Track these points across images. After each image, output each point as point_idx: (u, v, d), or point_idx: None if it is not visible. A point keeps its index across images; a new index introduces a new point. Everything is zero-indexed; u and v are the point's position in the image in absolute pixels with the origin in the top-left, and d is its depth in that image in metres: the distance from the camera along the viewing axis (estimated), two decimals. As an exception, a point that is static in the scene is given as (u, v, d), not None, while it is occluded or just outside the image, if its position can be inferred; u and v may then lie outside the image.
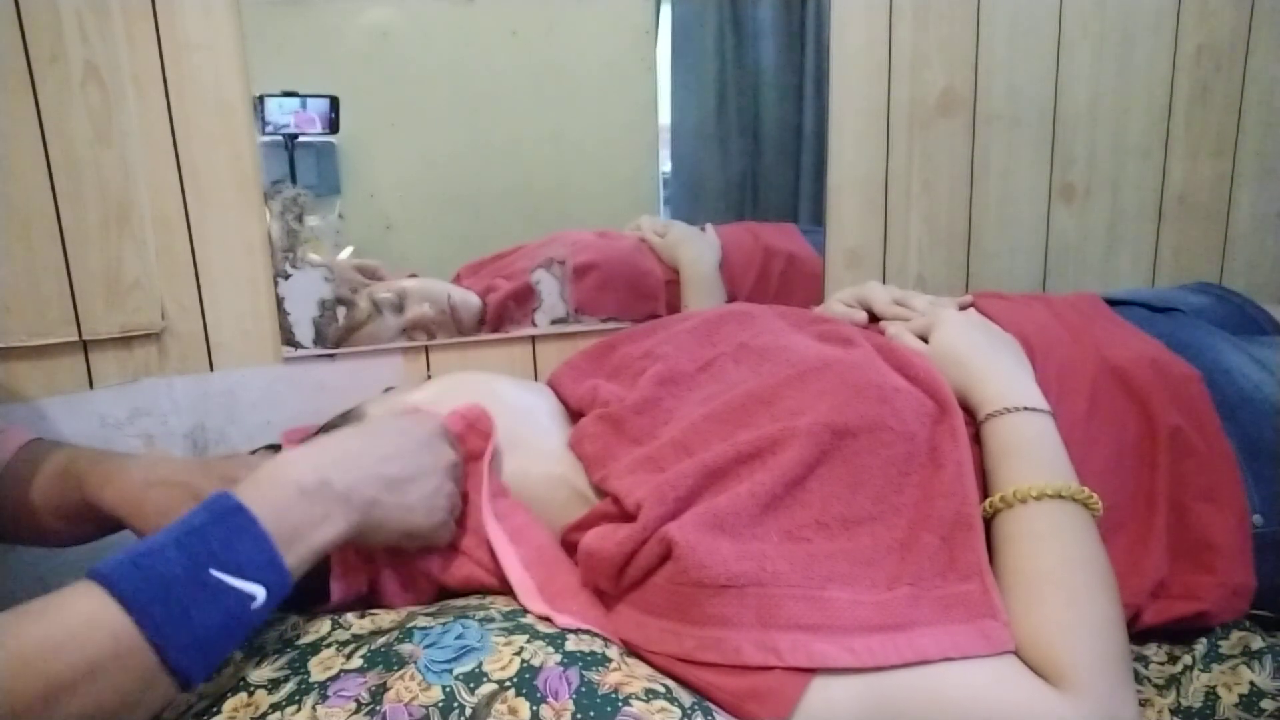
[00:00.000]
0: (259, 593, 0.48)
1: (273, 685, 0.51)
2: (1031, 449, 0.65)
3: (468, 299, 1.07)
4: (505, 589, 0.64)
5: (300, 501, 0.53)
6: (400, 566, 0.65)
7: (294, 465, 0.55)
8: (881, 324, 0.83)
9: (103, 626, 0.42)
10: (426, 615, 0.58)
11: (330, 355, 0.99)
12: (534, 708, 0.49)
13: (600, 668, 0.53)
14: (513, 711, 0.48)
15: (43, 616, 0.42)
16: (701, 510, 0.59)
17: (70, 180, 0.85)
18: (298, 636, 0.57)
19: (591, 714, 0.49)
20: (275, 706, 0.50)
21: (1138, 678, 0.66)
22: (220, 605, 0.46)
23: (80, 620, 0.42)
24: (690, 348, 0.78)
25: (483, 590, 0.65)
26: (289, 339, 0.98)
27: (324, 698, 0.50)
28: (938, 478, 0.62)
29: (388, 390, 0.86)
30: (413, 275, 1.06)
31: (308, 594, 0.61)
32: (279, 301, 0.97)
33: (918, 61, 1.15)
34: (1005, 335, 0.77)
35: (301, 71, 0.97)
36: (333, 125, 0.99)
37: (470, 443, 0.68)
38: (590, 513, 0.67)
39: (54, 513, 0.67)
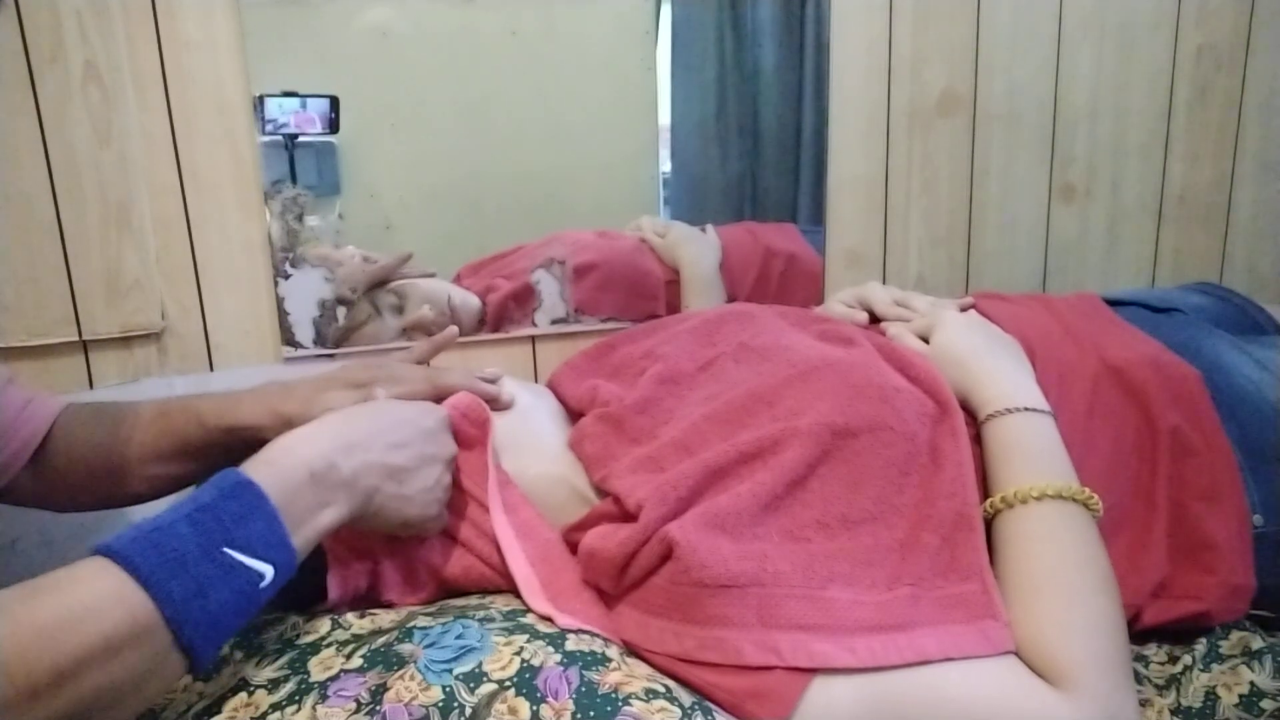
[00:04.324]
0: (268, 572, 0.47)
1: (273, 685, 0.51)
2: (1032, 450, 0.65)
3: (468, 300, 1.07)
4: (506, 581, 0.64)
5: (309, 485, 0.52)
6: (400, 559, 0.65)
7: (305, 444, 0.54)
8: (882, 324, 0.83)
9: (121, 603, 0.42)
10: (426, 615, 0.58)
11: (330, 355, 0.99)
12: (534, 708, 0.49)
13: (600, 667, 0.53)
14: (513, 711, 0.48)
15: (58, 591, 0.42)
16: (702, 510, 0.59)
17: (70, 180, 0.85)
18: (297, 636, 0.57)
19: (591, 714, 0.49)
20: (275, 706, 0.50)
21: (1138, 678, 0.66)
22: (232, 584, 0.46)
23: (97, 596, 0.42)
24: (690, 348, 0.78)
25: (483, 583, 0.65)
26: (289, 339, 0.98)
27: (324, 698, 0.50)
28: (938, 478, 0.62)
29: None
30: (430, 274, 1.06)
31: (307, 593, 0.61)
32: (279, 301, 0.97)
33: (918, 61, 1.15)
34: (1006, 336, 0.77)
35: (301, 71, 0.97)
36: (333, 125, 0.99)
37: (464, 433, 0.68)
38: (591, 513, 0.67)
39: (154, 459, 0.67)
